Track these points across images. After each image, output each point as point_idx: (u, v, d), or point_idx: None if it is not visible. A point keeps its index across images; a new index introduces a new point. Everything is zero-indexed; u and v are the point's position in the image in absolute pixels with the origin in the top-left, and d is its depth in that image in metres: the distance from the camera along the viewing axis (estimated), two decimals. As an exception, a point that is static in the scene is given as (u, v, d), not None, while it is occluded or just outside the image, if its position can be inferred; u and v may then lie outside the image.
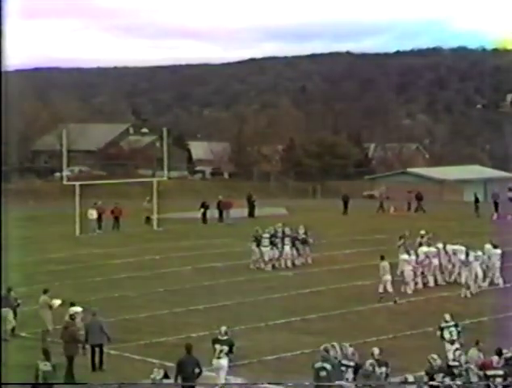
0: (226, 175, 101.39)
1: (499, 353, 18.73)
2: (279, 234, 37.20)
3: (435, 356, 18.69)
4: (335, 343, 19.33)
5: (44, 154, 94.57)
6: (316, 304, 29.50)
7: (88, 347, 22.43)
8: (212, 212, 54.01)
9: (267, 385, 20.39)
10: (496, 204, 56.03)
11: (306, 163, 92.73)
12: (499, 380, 18.32)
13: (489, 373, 18.39)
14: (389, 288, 30.02)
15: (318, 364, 18.57)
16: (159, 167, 63.60)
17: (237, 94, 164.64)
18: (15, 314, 26.00)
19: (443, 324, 22.04)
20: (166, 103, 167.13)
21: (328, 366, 18.44)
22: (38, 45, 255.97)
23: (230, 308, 28.92)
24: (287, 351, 23.56)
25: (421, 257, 32.28)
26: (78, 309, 23.96)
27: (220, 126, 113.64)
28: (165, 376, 19.31)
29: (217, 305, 29.21)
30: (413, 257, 32.02)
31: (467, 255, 31.56)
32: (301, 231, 37.81)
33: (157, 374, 19.32)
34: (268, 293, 31.36)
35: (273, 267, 36.59)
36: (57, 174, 75.81)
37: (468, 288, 30.75)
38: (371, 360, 18.52)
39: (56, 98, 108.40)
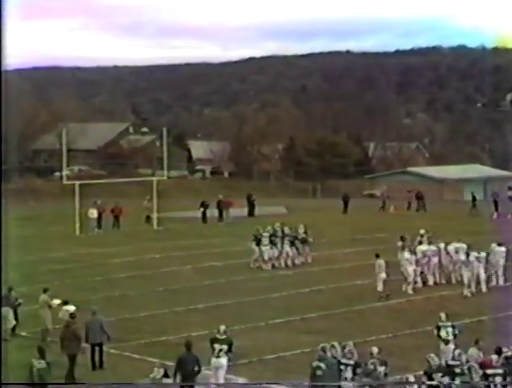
0: (226, 175, 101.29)
1: (498, 352, 18.71)
2: (279, 234, 37.24)
3: (434, 356, 18.69)
4: (335, 343, 19.32)
5: (44, 154, 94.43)
6: (316, 303, 29.52)
7: (87, 345, 22.43)
8: (212, 212, 54.04)
9: (270, 386, 20.40)
10: (496, 203, 56.09)
11: (306, 162, 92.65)
12: (498, 379, 18.32)
13: (489, 371, 18.37)
14: (379, 287, 29.98)
15: (315, 364, 18.59)
16: (159, 166, 63.62)
17: (236, 93, 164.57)
18: (16, 313, 26.00)
19: (441, 323, 22.05)
20: (166, 103, 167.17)
21: (323, 365, 18.45)
22: (37, 44, 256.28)
23: (230, 307, 28.91)
24: (287, 350, 23.58)
25: (419, 256, 32.27)
26: (72, 307, 23.98)
27: (220, 125, 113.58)
28: (165, 375, 19.33)
29: (217, 305, 29.21)
30: (414, 256, 32.02)
31: (467, 254, 31.56)
32: (301, 230, 37.83)
33: (157, 373, 19.33)
34: (268, 292, 31.35)
35: (272, 266, 36.60)
36: (57, 173, 75.71)
37: (469, 287, 30.78)
38: (372, 360, 18.51)
39: (55, 97, 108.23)
